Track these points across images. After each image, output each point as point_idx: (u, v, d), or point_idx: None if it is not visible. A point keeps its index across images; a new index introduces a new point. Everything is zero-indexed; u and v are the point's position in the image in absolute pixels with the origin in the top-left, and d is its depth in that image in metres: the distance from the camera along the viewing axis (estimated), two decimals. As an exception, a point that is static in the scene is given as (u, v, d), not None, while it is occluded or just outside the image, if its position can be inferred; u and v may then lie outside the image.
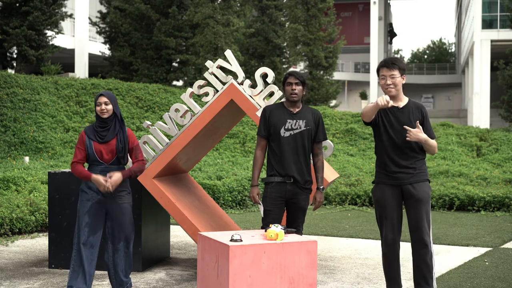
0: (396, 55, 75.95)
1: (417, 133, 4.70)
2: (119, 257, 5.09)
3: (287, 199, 5.14)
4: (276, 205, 5.10)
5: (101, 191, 4.94)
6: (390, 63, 4.82)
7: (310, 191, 5.23)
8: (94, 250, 5.03)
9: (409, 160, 4.79)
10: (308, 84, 5.37)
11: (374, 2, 48.67)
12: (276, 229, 4.28)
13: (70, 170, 6.63)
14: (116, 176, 4.95)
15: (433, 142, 4.80)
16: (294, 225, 5.13)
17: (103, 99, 4.99)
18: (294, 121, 5.12)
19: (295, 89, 5.10)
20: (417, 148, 4.82)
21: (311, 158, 5.28)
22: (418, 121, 4.76)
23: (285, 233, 4.43)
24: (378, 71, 4.88)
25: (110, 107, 5.01)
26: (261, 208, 5.15)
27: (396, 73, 4.79)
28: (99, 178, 4.90)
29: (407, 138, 4.72)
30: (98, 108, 4.99)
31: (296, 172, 5.09)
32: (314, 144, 5.22)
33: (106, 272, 6.10)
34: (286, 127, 5.11)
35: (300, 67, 38.33)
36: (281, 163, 5.10)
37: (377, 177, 4.94)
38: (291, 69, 36.13)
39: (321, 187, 5.20)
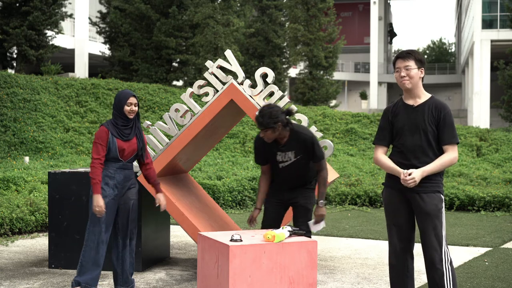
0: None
1: (411, 181, 4.12)
2: (126, 253, 5.14)
3: (286, 201, 5.18)
4: (271, 204, 5.17)
5: (94, 205, 4.90)
6: (405, 53, 4.28)
7: (311, 190, 5.22)
8: (106, 247, 5.07)
9: (419, 166, 4.20)
10: (281, 121, 5.08)
11: (374, 2, 48.73)
12: (282, 230, 4.29)
13: (70, 169, 6.62)
14: (164, 201, 5.24)
15: (443, 162, 4.18)
16: (297, 224, 5.13)
17: (134, 100, 5.05)
18: (283, 153, 5.04)
19: (264, 136, 4.92)
20: (431, 153, 4.22)
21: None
22: (407, 172, 4.15)
23: (292, 234, 4.41)
24: (394, 64, 4.35)
25: (137, 108, 5.08)
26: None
27: (412, 64, 4.22)
28: (99, 201, 4.89)
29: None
30: (127, 108, 5.01)
31: (293, 192, 5.18)
32: (314, 163, 5.12)
33: (105, 272, 6.09)
34: (277, 160, 5.07)
35: (300, 67, 38.37)
36: (277, 189, 5.18)
37: (386, 179, 4.41)
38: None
39: (321, 201, 5.04)
